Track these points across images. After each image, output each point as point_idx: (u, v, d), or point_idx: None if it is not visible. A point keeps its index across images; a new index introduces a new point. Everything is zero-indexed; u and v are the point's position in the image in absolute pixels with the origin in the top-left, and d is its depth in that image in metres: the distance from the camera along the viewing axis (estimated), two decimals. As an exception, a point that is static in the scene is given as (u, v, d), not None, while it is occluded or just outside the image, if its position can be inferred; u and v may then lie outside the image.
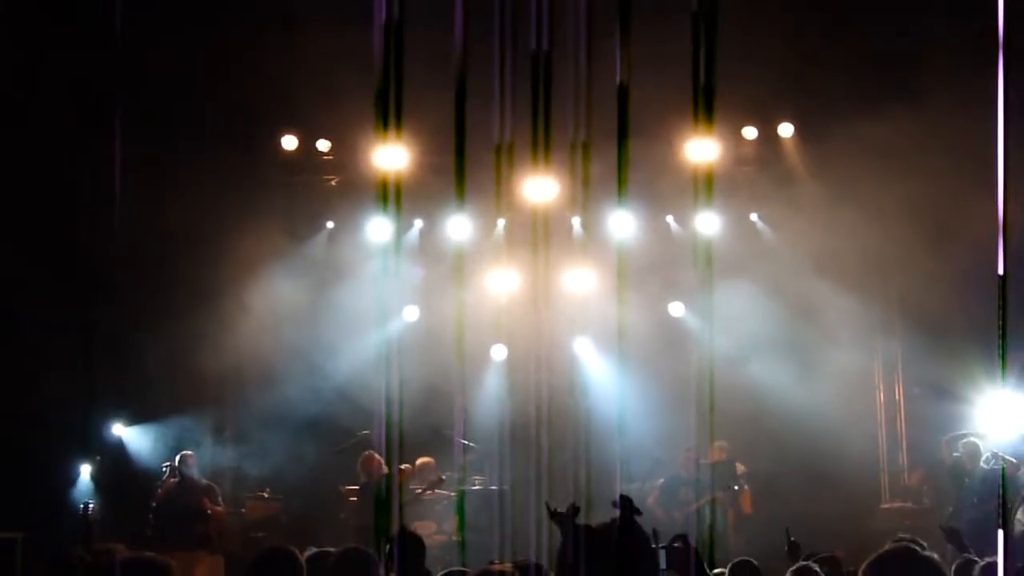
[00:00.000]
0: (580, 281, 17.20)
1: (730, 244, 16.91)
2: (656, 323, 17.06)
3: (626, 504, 4.71)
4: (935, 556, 5.21)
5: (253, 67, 15.08)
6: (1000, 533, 8.48)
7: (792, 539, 8.66)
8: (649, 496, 15.95)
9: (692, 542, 6.08)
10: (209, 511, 14.57)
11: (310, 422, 16.77)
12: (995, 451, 13.60)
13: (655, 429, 16.28)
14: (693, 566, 5.87)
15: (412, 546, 6.62)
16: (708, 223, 16.75)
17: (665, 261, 17.19)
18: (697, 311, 17.14)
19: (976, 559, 7.67)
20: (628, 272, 16.35)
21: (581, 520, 5.29)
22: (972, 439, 14.12)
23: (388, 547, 6.81)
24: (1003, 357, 8.03)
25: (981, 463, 13.78)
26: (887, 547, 5.20)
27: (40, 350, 14.91)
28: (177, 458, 14.81)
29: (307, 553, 7.25)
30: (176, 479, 14.66)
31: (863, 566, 5.12)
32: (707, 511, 15.53)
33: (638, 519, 5.29)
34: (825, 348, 16.72)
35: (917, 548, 5.22)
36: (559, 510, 5.81)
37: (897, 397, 17.77)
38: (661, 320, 17.36)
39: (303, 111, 16.62)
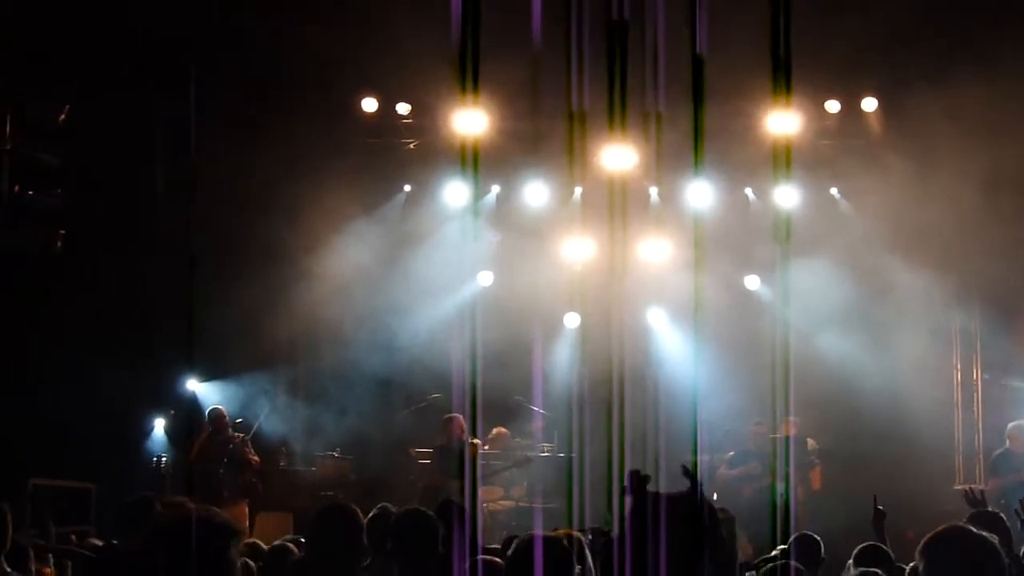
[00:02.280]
0: (656, 251, 17.12)
1: (808, 218, 16.73)
2: (731, 295, 16.95)
3: (692, 474, 4.62)
4: (989, 535, 5.15)
5: (334, 28, 15.10)
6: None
7: (879, 507, 8.58)
8: (719, 468, 15.91)
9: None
10: (252, 461, 14.79)
11: (382, 384, 16.87)
12: None
13: (727, 401, 16.21)
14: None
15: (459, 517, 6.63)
16: (787, 196, 16.58)
17: (742, 233, 17.06)
18: (773, 285, 17.00)
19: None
20: (704, 243, 16.24)
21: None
22: (1021, 422, 14.11)
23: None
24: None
25: None
26: (940, 528, 5.16)
27: (118, 306, 15.13)
28: (210, 412, 15.00)
29: (372, 512, 7.30)
30: (209, 432, 14.86)
31: (919, 547, 5.08)
32: (777, 486, 15.43)
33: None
34: (903, 326, 16.53)
35: (971, 528, 5.17)
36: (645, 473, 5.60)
37: (974, 378, 17.56)
38: (736, 292, 17.23)
39: (383, 74, 16.61)
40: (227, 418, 15.08)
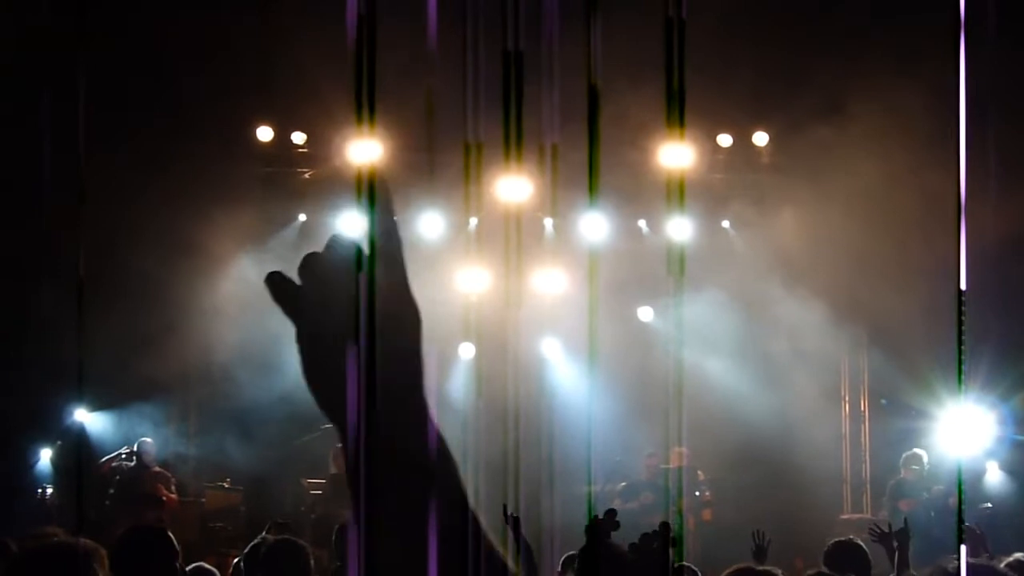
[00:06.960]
0: (550, 282, 17.18)
1: (701, 250, 16.92)
2: (625, 327, 17.05)
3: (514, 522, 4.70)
4: (774, 571, 5.30)
5: (230, 55, 15.00)
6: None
7: (759, 542, 8.61)
8: (612, 502, 15.95)
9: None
10: (164, 498, 14.56)
11: (272, 414, 16.69)
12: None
13: (620, 433, 16.28)
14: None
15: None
16: (680, 228, 16.74)
17: (635, 265, 17.19)
18: (666, 316, 17.15)
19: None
20: (598, 275, 16.32)
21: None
22: (917, 450, 14.40)
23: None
24: (960, 371, 8.06)
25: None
26: (728, 570, 5.31)
27: (1, 333, 14.84)
28: (136, 444, 14.79)
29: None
30: (132, 464, 14.65)
31: None
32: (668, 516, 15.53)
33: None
34: (792, 357, 16.75)
35: (754, 566, 5.33)
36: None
37: (862, 409, 17.84)
38: (630, 324, 17.35)
39: (279, 102, 16.52)
40: (153, 453, 14.87)
